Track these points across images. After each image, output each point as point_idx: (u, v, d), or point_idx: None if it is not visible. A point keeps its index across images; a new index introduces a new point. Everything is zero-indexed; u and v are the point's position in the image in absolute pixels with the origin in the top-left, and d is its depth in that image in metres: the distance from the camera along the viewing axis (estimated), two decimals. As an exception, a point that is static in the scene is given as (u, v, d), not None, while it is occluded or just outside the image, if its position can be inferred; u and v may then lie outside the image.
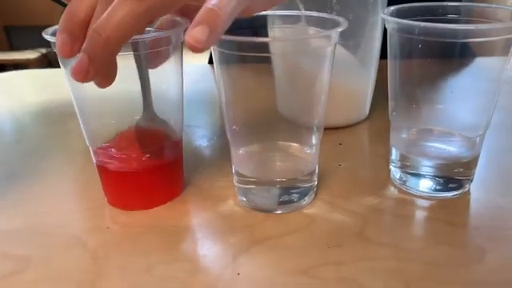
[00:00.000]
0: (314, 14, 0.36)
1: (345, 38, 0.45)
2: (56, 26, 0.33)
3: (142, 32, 0.30)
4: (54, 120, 0.55)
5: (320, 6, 0.42)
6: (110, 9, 0.26)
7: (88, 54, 0.26)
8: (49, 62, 2.22)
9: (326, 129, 0.47)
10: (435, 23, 0.30)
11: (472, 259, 0.29)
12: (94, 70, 0.26)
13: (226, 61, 0.32)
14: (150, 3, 0.26)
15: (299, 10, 0.45)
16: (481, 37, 0.31)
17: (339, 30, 0.31)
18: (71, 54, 0.28)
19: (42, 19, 2.31)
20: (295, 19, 0.42)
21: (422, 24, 0.30)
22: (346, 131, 0.48)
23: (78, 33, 0.28)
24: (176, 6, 0.28)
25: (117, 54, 0.27)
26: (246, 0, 0.27)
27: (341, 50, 0.46)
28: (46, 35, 0.31)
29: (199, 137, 0.48)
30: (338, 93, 0.47)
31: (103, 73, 0.27)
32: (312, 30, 0.43)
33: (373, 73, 0.50)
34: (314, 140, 0.36)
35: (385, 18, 0.33)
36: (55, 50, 0.31)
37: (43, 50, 2.12)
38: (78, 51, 0.28)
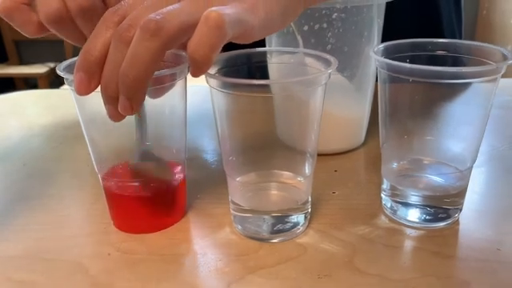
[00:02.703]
0: (311, 51, 0.37)
1: (340, 69, 0.47)
2: (68, 61, 0.36)
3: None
4: (61, 142, 0.57)
5: (317, 39, 0.44)
6: (129, 50, 0.28)
7: (125, 95, 0.29)
8: (57, 76, 2.26)
9: (322, 155, 0.49)
10: (421, 65, 0.31)
11: (456, 291, 0.30)
12: (135, 106, 0.29)
13: (222, 97, 0.34)
14: (164, 37, 0.28)
15: (297, 41, 0.47)
16: (466, 78, 0.33)
17: (329, 71, 0.32)
18: (88, 92, 0.30)
19: (50, 34, 2.36)
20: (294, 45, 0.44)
21: (408, 66, 0.32)
22: (342, 157, 0.50)
23: (94, 71, 0.30)
24: (185, 38, 0.29)
25: (147, 86, 0.29)
26: (241, 26, 0.29)
27: (338, 77, 0.48)
28: (60, 71, 0.33)
29: (201, 160, 0.50)
30: (334, 120, 0.49)
31: (140, 104, 0.30)
32: (309, 59, 0.45)
33: (368, 100, 0.51)
34: (307, 169, 0.37)
35: (374, 56, 0.35)
36: (70, 86, 0.33)
37: (51, 65, 2.15)
38: (95, 88, 0.30)
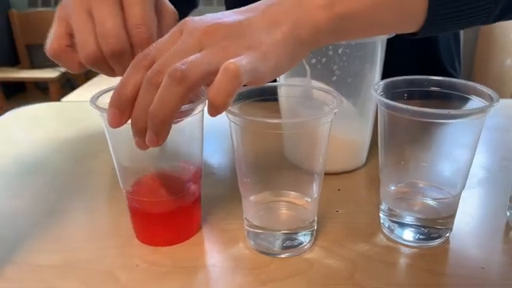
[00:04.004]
0: (318, 85, 0.42)
1: (345, 96, 0.51)
2: (98, 93, 0.40)
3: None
4: (85, 156, 0.61)
5: (323, 70, 0.49)
6: (158, 94, 0.33)
7: (153, 132, 0.34)
8: (68, 80, 2.31)
9: (326, 174, 0.53)
10: (414, 107, 0.36)
11: (444, 305, 0.35)
12: (161, 140, 0.34)
13: (239, 129, 0.38)
14: (188, 84, 0.32)
15: (306, 70, 0.51)
16: (456, 118, 0.37)
17: (335, 111, 0.37)
18: (120, 125, 0.35)
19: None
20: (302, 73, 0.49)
21: (405, 106, 0.36)
22: (344, 177, 0.54)
23: (126, 108, 0.35)
24: (207, 81, 0.34)
25: (171, 124, 0.34)
26: (254, 74, 0.34)
27: (345, 102, 0.52)
28: (93, 105, 0.37)
29: (215, 177, 0.54)
30: (339, 142, 0.53)
31: (165, 138, 0.35)
32: (315, 83, 0.50)
33: (370, 123, 0.56)
34: (314, 190, 0.41)
35: (374, 94, 0.39)
36: (104, 118, 0.37)
37: (62, 69, 2.20)
38: (126, 122, 0.35)
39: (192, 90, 0.33)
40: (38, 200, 0.51)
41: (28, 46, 2.51)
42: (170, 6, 0.46)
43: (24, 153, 0.63)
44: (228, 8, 0.81)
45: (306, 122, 0.38)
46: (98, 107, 0.37)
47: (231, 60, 0.32)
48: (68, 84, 2.33)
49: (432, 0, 0.40)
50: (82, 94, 1.85)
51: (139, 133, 0.34)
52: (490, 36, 2.09)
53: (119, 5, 0.40)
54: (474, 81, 0.42)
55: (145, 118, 0.33)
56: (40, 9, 2.56)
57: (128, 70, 0.35)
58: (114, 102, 0.35)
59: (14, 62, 2.50)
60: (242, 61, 0.33)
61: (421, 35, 0.43)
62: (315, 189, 0.42)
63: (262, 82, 0.35)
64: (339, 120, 0.51)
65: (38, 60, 2.54)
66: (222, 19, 0.36)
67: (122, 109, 0.34)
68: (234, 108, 0.39)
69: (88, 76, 2.06)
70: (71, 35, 0.41)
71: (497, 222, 0.45)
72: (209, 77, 0.33)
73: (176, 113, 0.33)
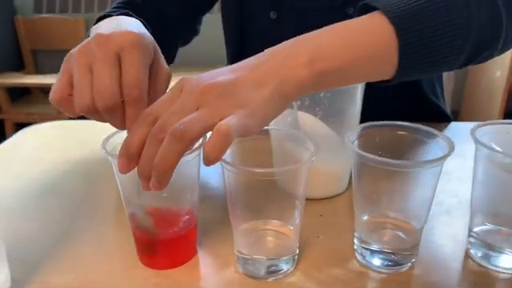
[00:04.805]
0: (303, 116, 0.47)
1: (329, 125, 0.57)
2: (109, 139, 0.46)
3: None
4: (96, 178, 0.67)
5: (308, 111, 0.54)
6: (161, 150, 0.39)
7: (156, 179, 0.39)
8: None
9: (309, 200, 0.59)
10: (381, 157, 0.42)
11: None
12: (163, 186, 0.40)
13: (230, 174, 0.44)
14: (186, 142, 0.38)
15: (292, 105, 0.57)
16: (415, 168, 0.43)
17: (313, 158, 0.43)
18: (128, 171, 0.41)
19: (66, 44, 2.48)
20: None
21: (371, 156, 0.42)
22: (326, 202, 0.60)
23: (134, 157, 0.41)
24: (201, 136, 0.40)
25: (172, 174, 0.39)
26: (244, 130, 0.40)
27: (328, 131, 0.58)
28: (105, 152, 0.43)
29: (211, 201, 0.60)
30: (321, 171, 0.59)
31: (167, 184, 0.40)
32: (301, 114, 0.55)
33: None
34: (296, 218, 0.47)
35: (346, 142, 0.45)
36: (114, 163, 0.43)
37: (67, 75, 2.27)
38: (133, 169, 0.41)
39: (190, 145, 0.39)
40: (52, 222, 0.57)
41: (33, 51, 2.57)
42: (166, 67, 0.52)
43: (36, 174, 0.69)
44: (223, 16, 0.87)
45: (290, 169, 0.44)
46: (108, 153, 0.43)
47: (223, 121, 0.38)
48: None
49: (402, 53, 0.46)
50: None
51: (144, 178, 0.40)
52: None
53: (118, 63, 0.45)
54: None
55: (150, 167, 0.39)
56: (45, 15, 2.62)
57: (135, 124, 0.41)
58: (123, 152, 0.41)
59: (20, 66, 2.56)
60: (232, 120, 0.39)
61: (394, 83, 0.49)
62: (297, 217, 0.47)
63: (250, 134, 0.41)
64: (322, 151, 0.57)
65: (43, 65, 2.61)
66: (216, 79, 0.42)
67: (130, 158, 0.41)
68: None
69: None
70: (72, 85, 0.46)
71: (458, 250, 0.51)
72: (205, 133, 0.39)
73: (176, 165, 0.39)
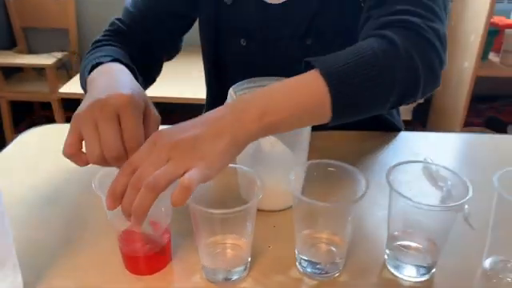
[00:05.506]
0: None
1: (287, 144, 0.68)
2: (99, 176, 0.58)
3: None
4: (87, 189, 0.79)
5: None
6: (138, 196, 0.51)
7: (135, 218, 0.51)
8: (64, 65, 2.45)
9: (265, 211, 0.71)
10: (315, 201, 0.54)
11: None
12: (140, 223, 0.52)
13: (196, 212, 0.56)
14: (157, 191, 0.50)
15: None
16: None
17: (260, 196, 0.55)
18: (114, 209, 0.53)
19: (57, 22, 2.53)
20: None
21: (306, 199, 0.54)
22: (280, 214, 0.72)
23: (118, 199, 0.53)
24: (169, 185, 0.52)
25: (147, 214, 0.51)
26: (204, 179, 0.52)
27: (283, 148, 0.69)
28: (97, 191, 0.55)
29: (186, 209, 0.72)
30: (277, 184, 0.71)
31: (143, 221, 0.52)
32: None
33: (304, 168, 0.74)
34: (249, 231, 0.59)
35: (290, 181, 0.57)
36: (103, 199, 0.55)
37: (58, 55, 2.34)
38: (117, 206, 0.53)
39: (160, 193, 0.51)
40: (52, 231, 0.69)
41: (24, 29, 2.62)
42: (155, 112, 0.63)
43: (38, 183, 0.79)
44: (201, 33, 0.96)
45: (248, 207, 0.56)
46: (100, 192, 0.55)
47: (186, 175, 0.50)
48: (63, 67, 2.47)
49: (334, 110, 0.58)
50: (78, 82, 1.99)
51: (127, 216, 0.53)
52: (454, 38, 2.24)
53: (117, 120, 0.57)
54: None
55: (130, 209, 0.52)
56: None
57: (118, 173, 0.53)
58: (109, 195, 0.53)
59: (11, 44, 2.61)
60: (194, 173, 0.50)
61: (331, 125, 0.61)
62: (250, 231, 0.60)
63: (210, 180, 0.53)
64: (277, 168, 0.69)
65: (35, 43, 2.66)
66: (183, 135, 0.53)
67: (116, 200, 0.53)
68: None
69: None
70: (81, 140, 0.58)
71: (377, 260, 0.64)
72: (172, 183, 0.51)
73: (149, 208, 0.51)
